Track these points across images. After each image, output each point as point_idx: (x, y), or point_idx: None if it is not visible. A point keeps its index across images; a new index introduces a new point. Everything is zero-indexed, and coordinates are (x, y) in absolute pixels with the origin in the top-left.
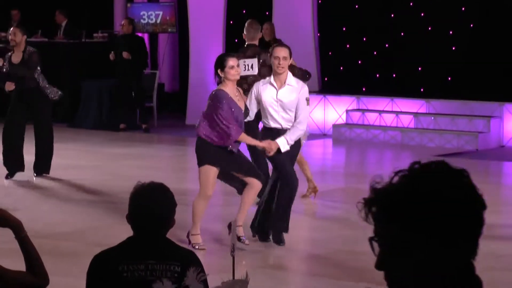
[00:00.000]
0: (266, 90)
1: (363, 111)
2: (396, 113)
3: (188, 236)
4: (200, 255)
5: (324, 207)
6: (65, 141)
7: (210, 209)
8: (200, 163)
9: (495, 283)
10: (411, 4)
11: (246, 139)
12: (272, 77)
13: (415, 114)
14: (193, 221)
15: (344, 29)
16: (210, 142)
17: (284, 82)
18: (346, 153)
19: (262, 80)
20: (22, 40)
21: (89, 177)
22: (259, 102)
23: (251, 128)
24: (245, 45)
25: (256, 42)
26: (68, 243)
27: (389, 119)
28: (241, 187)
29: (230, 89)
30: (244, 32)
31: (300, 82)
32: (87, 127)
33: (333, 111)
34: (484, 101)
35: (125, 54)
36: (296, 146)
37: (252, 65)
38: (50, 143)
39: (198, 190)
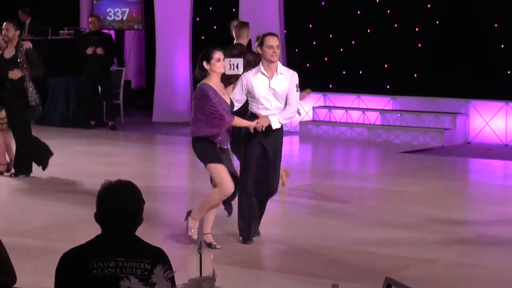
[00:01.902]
0: (257, 80)
1: (330, 108)
2: (362, 110)
3: (190, 235)
4: (168, 252)
5: (290, 204)
6: None
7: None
8: (206, 161)
9: (462, 279)
10: (377, 1)
11: (241, 122)
12: (261, 66)
13: (382, 111)
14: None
15: (310, 26)
16: (205, 137)
17: (276, 71)
18: (313, 150)
19: (250, 70)
20: (15, 35)
21: (54, 175)
22: (249, 92)
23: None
24: (234, 44)
25: (244, 42)
26: (35, 241)
27: (355, 116)
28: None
29: (215, 82)
30: (233, 31)
31: (290, 71)
32: (54, 125)
33: (300, 108)
34: (450, 98)
35: (99, 50)
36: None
37: (237, 64)
38: (22, 144)
39: (215, 189)
